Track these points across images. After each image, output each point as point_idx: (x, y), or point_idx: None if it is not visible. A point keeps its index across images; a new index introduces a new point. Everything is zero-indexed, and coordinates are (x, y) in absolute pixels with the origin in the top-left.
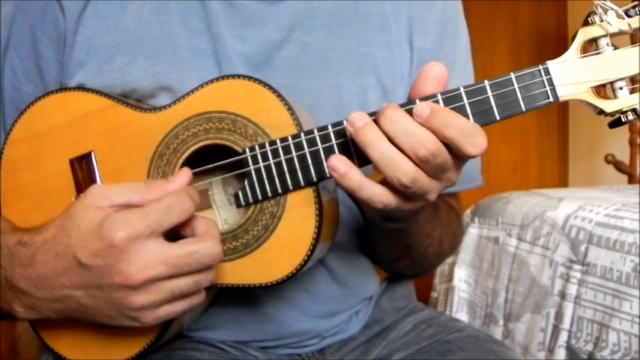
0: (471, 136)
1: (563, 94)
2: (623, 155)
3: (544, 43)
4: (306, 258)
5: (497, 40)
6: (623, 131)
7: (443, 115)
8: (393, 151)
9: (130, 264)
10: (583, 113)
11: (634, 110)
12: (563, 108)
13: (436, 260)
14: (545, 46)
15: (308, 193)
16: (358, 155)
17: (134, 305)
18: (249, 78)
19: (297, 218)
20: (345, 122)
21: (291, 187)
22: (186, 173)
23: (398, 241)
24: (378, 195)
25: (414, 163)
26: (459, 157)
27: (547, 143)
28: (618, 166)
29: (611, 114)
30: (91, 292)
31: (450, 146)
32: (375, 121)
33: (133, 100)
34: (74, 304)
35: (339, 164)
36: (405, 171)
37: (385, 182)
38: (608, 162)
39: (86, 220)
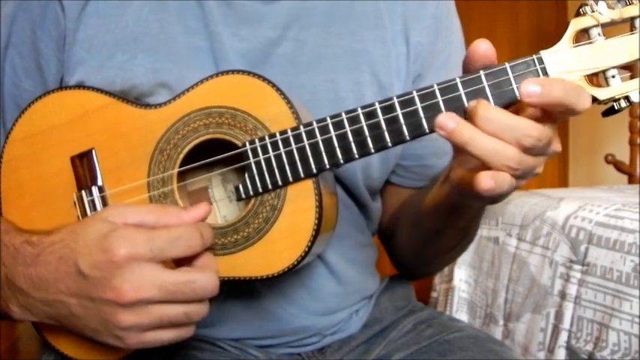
0: (577, 92)
1: None
2: (623, 155)
3: (544, 44)
4: (307, 249)
5: (497, 40)
6: (623, 131)
7: (551, 84)
8: (494, 143)
9: (125, 282)
10: (583, 113)
11: (626, 98)
12: None
13: (467, 248)
14: (545, 46)
15: (308, 185)
16: (357, 146)
17: (121, 324)
18: (249, 73)
19: (298, 210)
20: (342, 114)
21: (291, 179)
22: (204, 207)
23: (467, 225)
24: (502, 151)
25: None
26: (567, 116)
27: None
28: (618, 166)
29: (604, 102)
30: (83, 302)
31: (559, 111)
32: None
33: (133, 97)
34: (65, 311)
35: (447, 120)
36: (511, 156)
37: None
38: (608, 162)
39: (95, 229)
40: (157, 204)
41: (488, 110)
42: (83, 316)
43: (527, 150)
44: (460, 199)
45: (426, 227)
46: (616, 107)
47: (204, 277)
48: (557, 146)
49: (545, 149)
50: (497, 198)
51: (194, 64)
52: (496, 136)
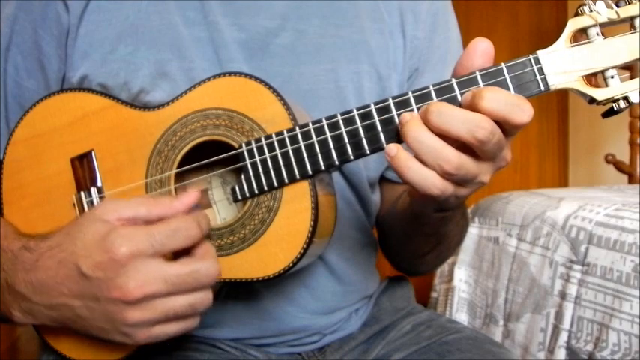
0: (517, 105)
1: (554, 82)
2: (623, 155)
3: (544, 44)
4: (302, 251)
5: (497, 40)
6: (623, 131)
7: (486, 93)
8: (434, 141)
9: (130, 279)
10: (583, 113)
11: (625, 98)
12: (563, 108)
13: (452, 252)
14: (545, 46)
15: (303, 187)
16: (353, 148)
17: (128, 321)
18: (246, 75)
19: (293, 211)
20: (338, 115)
21: (286, 181)
22: (194, 193)
23: (436, 231)
24: (431, 179)
25: (470, 146)
26: (509, 130)
27: (547, 143)
28: (618, 166)
29: (603, 102)
30: (88, 302)
31: (499, 122)
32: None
33: (136, 89)
34: (70, 313)
35: (391, 147)
36: (447, 158)
37: None
38: (608, 162)
39: (92, 230)
40: (148, 196)
41: (439, 105)
42: (89, 317)
43: (482, 145)
44: (418, 207)
45: (399, 230)
46: (615, 108)
47: (205, 265)
48: (508, 154)
49: (497, 150)
50: (443, 205)
51: (195, 54)
52: (449, 131)
